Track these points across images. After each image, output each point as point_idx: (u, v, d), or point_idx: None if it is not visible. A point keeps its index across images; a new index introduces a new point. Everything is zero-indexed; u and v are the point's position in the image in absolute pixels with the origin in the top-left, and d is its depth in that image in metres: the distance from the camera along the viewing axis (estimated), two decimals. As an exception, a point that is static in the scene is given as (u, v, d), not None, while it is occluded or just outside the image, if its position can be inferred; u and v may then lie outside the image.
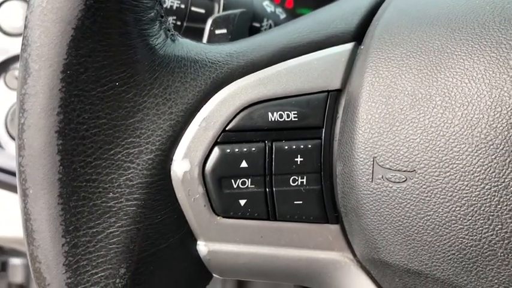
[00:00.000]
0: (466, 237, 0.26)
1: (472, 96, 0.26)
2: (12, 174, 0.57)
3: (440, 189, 0.27)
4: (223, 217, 0.30)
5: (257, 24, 0.44)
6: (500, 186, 0.26)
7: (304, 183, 0.30)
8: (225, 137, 0.30)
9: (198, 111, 0.29)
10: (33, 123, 0.26)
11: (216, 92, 0.30)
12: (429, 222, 0.27)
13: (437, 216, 0.27)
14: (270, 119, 0.30)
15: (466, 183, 0.26)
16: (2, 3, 0.57)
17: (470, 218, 0.26)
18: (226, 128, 0.30)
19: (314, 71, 0.30)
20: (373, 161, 0.28)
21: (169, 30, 0.30)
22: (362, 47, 0.31)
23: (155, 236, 0.29)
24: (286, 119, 0.30)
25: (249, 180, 0.30)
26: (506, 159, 0.25)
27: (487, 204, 0.26)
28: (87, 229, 0.27)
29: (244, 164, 0.29)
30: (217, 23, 0.40)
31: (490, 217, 0.26)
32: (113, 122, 0.27)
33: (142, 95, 0.28)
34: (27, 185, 0.27)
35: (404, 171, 0.28)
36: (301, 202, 0.30)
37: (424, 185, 0.27)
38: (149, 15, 0.28)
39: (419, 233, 0.27)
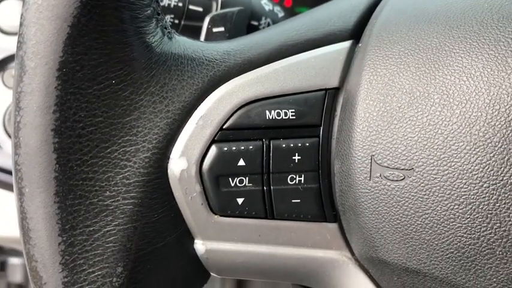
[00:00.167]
0: (465, 235, 0.26)
1: (470, 94, 0.26)
2: (11, 173, 0.57)
3: (438, 187, 0.27)
4: (221, 216, 0.30)
5: (255, 23, 0.44)
6: (498, 185, 0.26)
7: (302, 181, 0.30)
8: (223, 135, 0.29)
9: (195, 109, 0.29)
10: (29, 121, 0.26)
11: (214, 90, 0.30)
12: (427, 221, 0.27)
13: (435, 214, 0.27)
14: (267, 117, 0.30)
15: (464, 181, 0.26)
16: (0, 2, 0.57)
17: (468, 216, 0.26)
18: (224, 126, 0.29)
19: (312, 69, 0.30)
20: (371, 159, 0.28)
21: (166, 28, 0.30)
22: (360, 45, 0.31)
23: (152, 234, 0.29)
24: (283, 117, 0.30)
25: (247, 178, 0.30)
26: (505, 157, 0.25)
27: (486, 203, 0.26)
28: (83, 228, 0.27)
29: (241, 163, 0.29)
30: (215, 21, 0.39)
31: (489, 215, 0.26)
32: (109, 120, 0.27)
33: (139, 93, 0.28)
34: (23, 183, 0.26)
35: (402, 169, 0.27)
36: (299, 200, 0.30)
37: (422, 183, 0.27)
38: (146, 13, 0.28)
39: (418, 231, 0.27)
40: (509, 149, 0.25)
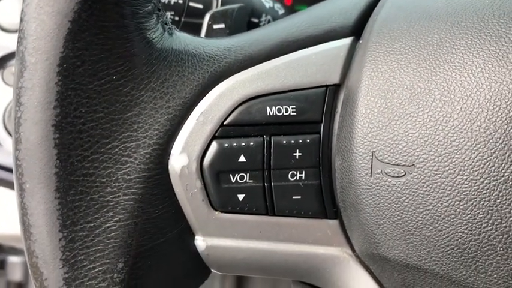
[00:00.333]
0: (466, 231, 0.26)
1: (471, 90, 0.26)
2: (11, 171, 0.57)
3: (439, 183, 0.27)
4: (222, 212, 0.30)
5: (255, 20, 0.44)
6: (499, 181, 0.26)
7: (303, 178, 0.30)
8: (223, 131, 0.29)
9: (196, 105, 0.29)
10: (29, 116, 0.26)
11: (214, 86, 0.29)
12: (428, 217, 0.27)
13: (436, 210, 0.27)
14: (268, 114, 0.30)
15: (465, 177, 0.26)
16: (0, -1, 0.57)
17: (469, 212, 0.26)
18: (224, 123, 0.29)
19: (312, 66, 0.30)
20: (372, 155, 0.28)
21: (166, 24, 0.30)
22: (361, 41, 0.31)
23: (153, 230, 0.28)
24: (284, 114, 0.30)
25: (247, 174, 0.30)
26: (506, 153, 0.25)
27: (487, 199, 0.26)
28: (84, 223, 0.27)
29: (242, 159, 0.29)
30: (215, 17, 0.39)
31: (490, 211, 0.26)
32: (110, 116, 0.27)
33: (140, 89, 0.28)
34: (23, 179, 0.26)
35: (403, 165, 0.27)
36: (299, 197, 0.30)
37: (423, 179, 0.27)
38: (146, 9, 0.28)
39: (418, 227, 0.27)
40: (510, 145, 0.25)
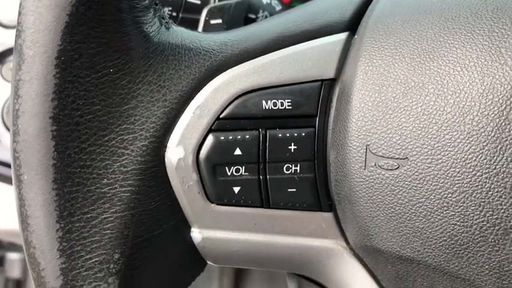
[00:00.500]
0: (458, 223, 0.27)
1: (464, 84, 0.27)
2: (9, 166, 0.57)
3: (432, 176, 0.27)
4: (217, 204, 0.30)
5: (252, 16, 0.45)
6: (491, 173, 0.26)
7: (298, 171, 0.30)
8: (219, 124, 0.30)
9: (192, 98, 0.29)
10: (27, 109, 0.26)
11: (210, 80, 0.30)
12: (421, 209, 0.27)
13: (429, 203, 0.27)
14: (264, 107, 0.30)
15: (457, 170, 0.26)
16: (-2, -5, 0.57)
17: (461, 204, 0.26)
18: (221, 116, 0.30)
19: (308, 60, 0.31)
20: (366, 148, 0.28)
21: (163, 18, 0.30)
22: (356, 36, 0.31)
23: (149, 222, 0.29)
24: (280, 107, 0.30)
25: (243, 167, 0.30)
26: (498, 146, 0.26)
27: (479, 191, 0.26)
28: (81, 215, 0.27)
29: (238, 152, 0.30)
30: (213, 13, 0.40)
31: (481, 203, 0.26)
32: (107, 109, 0.27)
33: (137, 82, 0.28)
34: (21, 170, 0.27)
35: (396, 158, 0.28)
36: (294, 190, 0.30)
37: (417, 172, 0.27)
38: (143, 3, 0.28)
39: (412, 219, 0.28)
40: (502, 138, 0.26)
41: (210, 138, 0.30)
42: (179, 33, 0.30)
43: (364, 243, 0.30)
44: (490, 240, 0.26)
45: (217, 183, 0.30)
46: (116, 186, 0.28)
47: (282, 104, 0.30)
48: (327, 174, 0.31)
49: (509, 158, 0.26)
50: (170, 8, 0.42)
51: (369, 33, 0.30)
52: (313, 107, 0.30)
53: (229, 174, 0.30)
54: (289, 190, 0.30)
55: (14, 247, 0.95)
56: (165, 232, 0.30)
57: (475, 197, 0.26)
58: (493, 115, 0.26)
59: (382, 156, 0.28)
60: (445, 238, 0.27)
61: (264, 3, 0.46)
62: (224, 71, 0.30)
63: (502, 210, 0.26)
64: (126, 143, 0.28)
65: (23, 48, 0.26)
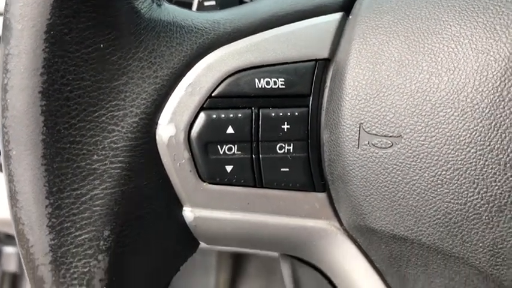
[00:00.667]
0: (452, 201, 0.26)
1: (459, 61, 0.26)
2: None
3: (426, 153, 0.27)
4: (210, 183, 0.30)
5: (247, -1, 0.44)
6: (485, 150, 0.26)
7: (291, 150, 0.30)
8: (211, 102, 0.29)
9: (184, 76, 0.29)
10: (16, 83, 0.26)
11: (202, 58, 0.29)
12: (415, 187, 0.27)
13: (423, 180, 0.27)
14: (256, 86, 0.30)
15: (451, 147, 0.26)
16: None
17: (455, 182, 0.26)
18: (213, 94, 0.29)
19: (302, 40, 0.30)
20: (360, 127, 0.28)
21: None
22: (350, 17, 0.31)
23: (140, 199, 0.28)
24: (273, 86, 0.30)
25: (236, 146, 0.30)
26: (492, 122, 0.25)
27: (473, 168, 0.26)
28: (71, 191, 0.27)
29: (230, 130, 0.29)
30: (206, -6, 0.40)
31: (476, 180, 0.26)
32: (97, 84, 0.27)
33: (127, 58, 0.28)
34: (10, 146, 0.26)
35: (390, 136, 0.27)
36: (287, 169, 0.30)
37: (410, 150, 0.27)
38: None
39: (405, 198, 0.27)
40: (497, 115, 0.25)
41: (202, 116, 0.29)
42: (171, 11, 0.30)
43: (357, 222, 0.30)
44: (484, 217, 0.26)
45: (209, 161, 0.30)
46: (106, 162, 0.27)
47: (275, 83, 0.30)
48: (320, 154, 0.30)
49: (504, 135, 0.25)
50: (164, -9, 0.42)
51: (363, 13, 0.30)
52: (307, 86, 0.30)
53: (221, 152, 0.29)
54: (282, 170, 0.30)
55: (10, 241, 0.94)
56: (156, 210, 0.29)
57: (469, 174, 0.26)
58: (487, 92, 0.26)
59: (375, 135, 0.28)
60: (438, 216, 0.27)
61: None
62: (216, 48, 0.30)
63: (496, 187, 0.26)
64: (117, 120, 0.28)
65: (12, 22, 0.26)
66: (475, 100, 0.26)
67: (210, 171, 0.30)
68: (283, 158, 0.30)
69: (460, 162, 0.26)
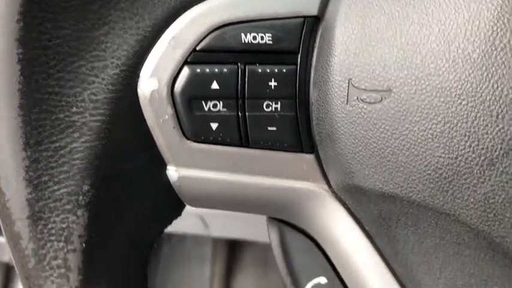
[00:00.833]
0: (442, 155, 0.26)
1: (450, 11, 0.25)
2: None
3: (416, 107, 0.26)
4: (194, 141, 0.29)
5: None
6: (477, 101, 0.25)
7: (278, 109, 0.29)
8: (195, 57, 0.29)
9: (167, 28, 0.28)
10: None
11: (187, 10, 0.29)
12: (404, 142, 0.26)
13: (412, 135, 0.26)
14: (243, 41, 0.29)
15: (442, 99, 0.25)
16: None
17: (446, 135, 0.25)
18: (197, 48, 0.29)
19: None
20: (349, 82, 0.27)
21: None
22: None
23: (121, 155, 0.28)
24: (260, 42, 0.29)
25: (221, 103, 0.29)
26: (483, 73, 0.25)
27: (464, 121, 0.25)
28: (49, 143, 0.26)
29: (215, 85, 0.29)
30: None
31: (467, 133, 0.25)
32: (77, 34, 0.26)
33: (108, 8, 0.27)
34: None
35: (379, 91, 0.27)
36: (275, 128, 0.29)
37: (400, 103, 0.26)
38: None
39: (395, 153, 0.27)
40: (488, 65, 0.25)
41: (186, 71, 0.28)
42: None
43: (346, 182, 0.29)
44: (475, 171, 0.25)
45: (193, 118, 0.29)
46: (86, 115, 0.26)
47: (262, 38, 0.29)
48: (309, 113, 0.29)
49: (496, 85, 0.24)
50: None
51: None
52: (295, 43, 0.29)
53: (206, 109, 0.29)
54: (269, 129, 0.29)
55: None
56: (138, 168, 0.28)
57: (460, 126, 0.25)
58: (479, 41, 0.25)
59: (364, 90, 0.27)
60: (429, 172, 0.26)
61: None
62: (201, 1, 0.29)
63: (488, 140, 0.25)
64: (97, 71, 0.27)
65: None
66: (467, 50, 0.25)
67: (194, 128, 0.29)
68: (271, 117, 0.29)
69: (451, 114, 0.25)
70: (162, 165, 0.30)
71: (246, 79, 0.29)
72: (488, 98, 0.25)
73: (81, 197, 0.26)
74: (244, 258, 1.26)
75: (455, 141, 0.25)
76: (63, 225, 0.26)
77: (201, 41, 0.28)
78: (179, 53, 0.28)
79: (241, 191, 0.30)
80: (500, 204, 0.25)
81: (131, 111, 0.28)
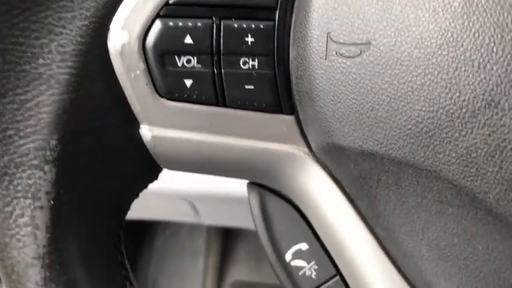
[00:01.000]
0: (423, 109, 0.25)
1: None
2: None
3: (395, 59, 0.25)
4: (168, 99, 0.28)
5: None
6: (458, 52, 0.24)
7: (256, 66, 0.28)
8: (168, 10, 0.28)
9: None
10: None
11: None
12: (384, 97, 0.25)
13: (392, 89, 0.25)
14: None
15: (422, 50, 0.24)
16: None
17: (427, 88, 0.25)
18: (170, 1, 0.28)
19: None
20: (327, 37, 0.27)
21: None
22: None
23: (91, 110, 0.27)
24: None
25: (195, 58, 0.28)
26: (464, 22, 0.24)
27: (445, 72, 0.24)
28: (14, 96, 0.25)
29: (189, 40, 0.28)
30: None
31: (448, 85, 0.24)
32: None
33: None
34: None
35: (358, 44, 0.26)
36: (252, 87, 0.28)
37: (379, 56, 0.25)
38: None
39: (374, 109, 0.26)
40: (469, 13, 0.24)
41: (158, 24, 0.27)
42: None
43: (325, 142, 0.28)
44: (456, 124, 0.24)
45: (166, 74, 0.28)
46: (53, 67, 0.25)
47: None
48: (287, 72, 0.29)
49: (477, 34, 0.24)
50: None
51: None
52: None
53: (179, 65, 0.28)
54: (246, 87, 0.28)
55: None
56: (110, 125, 0.27)
57: (440, 78, 0.24)
58: None
59: (343, 43, 0.26)
60: (409, 127, 0.25)
61: None
62: None
63: (470, 91, 0.24)
64: (64, 22, 0.26)
65: None
66: None
67: (167, 84, 0.28)
68: (248, 74, 0.28)
69: (431, 66, 0.24)
70: (135, 123, 0.29)
71: (222, 34, 0.28)
72: (469, 47, 0.24)
73: (48, 152, 0.25)
74: (238, 251, 1.25)
75: (435, 93, 0.24)
76: (30, 182, 0.25)
77: None
78: (151, 6, 0.27)
79: (218, 153, 0.29)
80: (483, 158, 0.24)
81: (101, 65, 0.27)
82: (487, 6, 0.23)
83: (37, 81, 0.25)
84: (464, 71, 0.24)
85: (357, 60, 0.26)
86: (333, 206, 0.30)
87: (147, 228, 1.24)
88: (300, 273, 0.31)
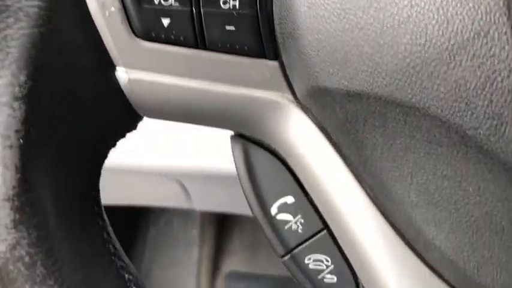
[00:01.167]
0: (410, 42, 0.24)
1: None
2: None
3: None
4: (145, 39, 0.27)
5: None
6: None
7: (237, 6, 0.27)
8: None
9: None
10: None
11: None
12: (369, 32, 0.24)
13: (378, 23, 0.24)
14: None
15: None
16: None
17: (413, 20, 0.23)
18: None
19: None
20: None
21: None
22: None
23: (63, 46, 0.25)
24: None
25: None
26: None
27: (432, 2, 0.23)
28: None
29: None
30: None
31: (435, 16, 0.23)
32: None
33: None
34: None
35: None
36: (233, 28, 0.27)
37: None
38: None
39: (359, 46, 0.25)
40: None
41: None
42: None
43: (310, 85, 0.27)
44: (445, 57, 0.23)
45: (143, 12, 0.26)
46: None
47: None
48: (271, 13, 0.27)
49: None
50: None
51: None
52: None
53: (156, 2, 0.26)
54: (227, 28, 0.27)
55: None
56: (84, 66, 0.26)
57: (427, 9, 0.23)
58: None
59: None
60: (395, 62, 0.24)
61: None
62: None
63: (458, 20, 0.23)
64: None
65: None
66: None
67: (144, 23, 0.27)
68: (228, 14, 0.27)
69: None
70: (111, 66, 0.27)
71: None
72: None
73: (17, 89, 0.24)
74: (233, 241, 1.23)
75: (422, 25, 0.23)
76: None
77: None
78: None
79: (198, 99, 0.28)
80: (472, 92, 0.23)
81: (74, 0, 0.26)
82: None
83: (4, 14, 0.24)
84: (452, 0, 0.23)
85: None
86: (318, 155, 0.29)
87: (139, 219, 1.23)
88: (286, 227, 0.30)
